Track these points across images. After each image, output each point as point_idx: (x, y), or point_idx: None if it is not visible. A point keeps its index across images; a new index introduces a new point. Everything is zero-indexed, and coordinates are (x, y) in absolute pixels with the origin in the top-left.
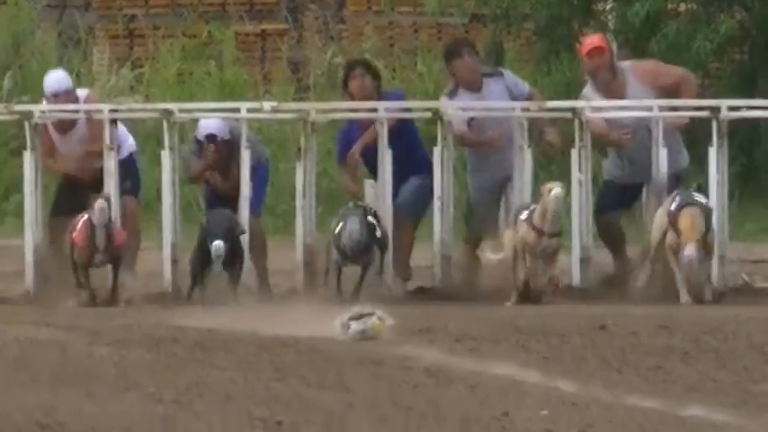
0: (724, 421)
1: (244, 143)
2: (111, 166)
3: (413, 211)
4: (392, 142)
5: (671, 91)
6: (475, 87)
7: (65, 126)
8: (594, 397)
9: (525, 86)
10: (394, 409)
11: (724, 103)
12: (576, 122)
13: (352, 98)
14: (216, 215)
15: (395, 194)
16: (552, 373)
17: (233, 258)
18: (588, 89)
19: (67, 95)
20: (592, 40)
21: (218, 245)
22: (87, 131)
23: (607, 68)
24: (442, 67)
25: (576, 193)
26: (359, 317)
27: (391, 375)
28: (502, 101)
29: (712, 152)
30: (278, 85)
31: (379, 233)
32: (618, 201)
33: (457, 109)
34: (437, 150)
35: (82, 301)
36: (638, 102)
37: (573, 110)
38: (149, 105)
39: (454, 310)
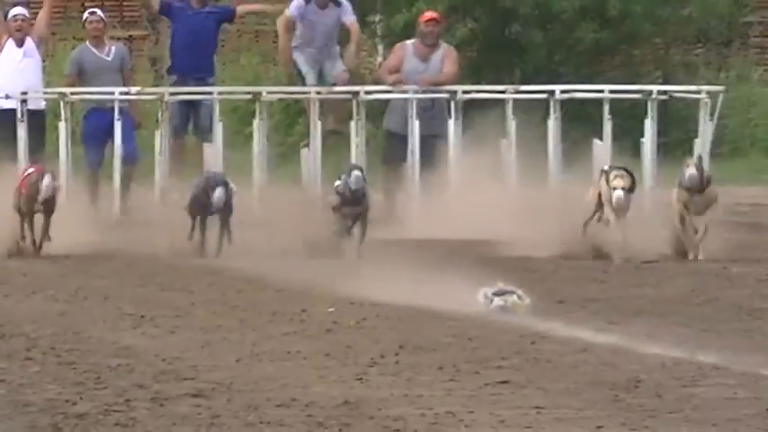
0: None
1: (116, 115)
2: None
3: None
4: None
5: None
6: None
7: None
8: (372, 299)
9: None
10: (223, 306)
11: (460, 88)
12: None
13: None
14: (214, 172)
15: None
16: (338, 279)
17: (226, 207)
18: (405, 45)
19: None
20: (431, 13)
21: (220, 192)
22: None
23: (435, 36)
24: None
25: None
26: (501, 293)
27: (223, 282)
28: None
29: (451, 124)
30: (141, 75)
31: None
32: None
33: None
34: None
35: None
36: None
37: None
38: (49, 89)
39: None
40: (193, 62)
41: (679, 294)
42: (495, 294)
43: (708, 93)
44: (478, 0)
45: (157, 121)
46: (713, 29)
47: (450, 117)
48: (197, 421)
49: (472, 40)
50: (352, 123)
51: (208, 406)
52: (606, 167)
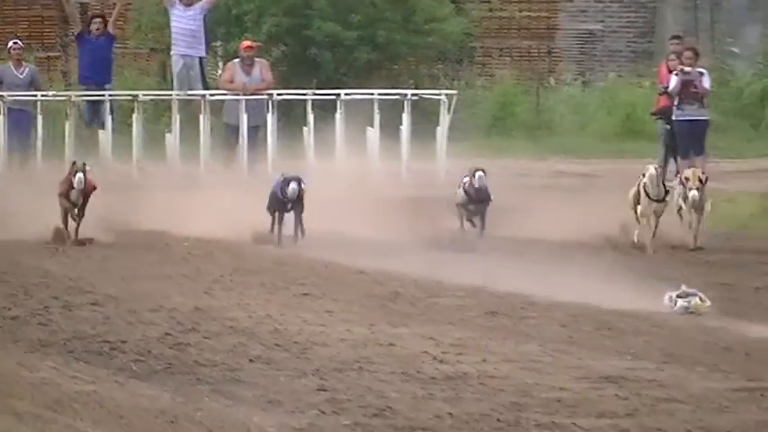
0: None
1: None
2: None
3: None
4: None
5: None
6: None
7: None
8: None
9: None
10: (115, 244)
11: (275, 92)
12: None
13: None
14: (289, 174)
15: None
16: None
17: (299, 201)
18: (234, 64)
19: None
20: (248, 42)
21: (293, 186)
22: None
23: (251, 57)
24: None
25: None
26: (685, 295)
27: (117, 229)
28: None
29: (269, 117)
30: (57, 83)
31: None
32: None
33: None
34: None
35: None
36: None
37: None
38: None
39: None
40: (95, 74)
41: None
42: (679, 297)
43: (446, 95)
44: (288, 31)
45: (66, 114)
46: (449, 51)
47: (268, 112)
48: (94, 322)
49: (283, 59)
50: (201, 117)
51: (102, 311)
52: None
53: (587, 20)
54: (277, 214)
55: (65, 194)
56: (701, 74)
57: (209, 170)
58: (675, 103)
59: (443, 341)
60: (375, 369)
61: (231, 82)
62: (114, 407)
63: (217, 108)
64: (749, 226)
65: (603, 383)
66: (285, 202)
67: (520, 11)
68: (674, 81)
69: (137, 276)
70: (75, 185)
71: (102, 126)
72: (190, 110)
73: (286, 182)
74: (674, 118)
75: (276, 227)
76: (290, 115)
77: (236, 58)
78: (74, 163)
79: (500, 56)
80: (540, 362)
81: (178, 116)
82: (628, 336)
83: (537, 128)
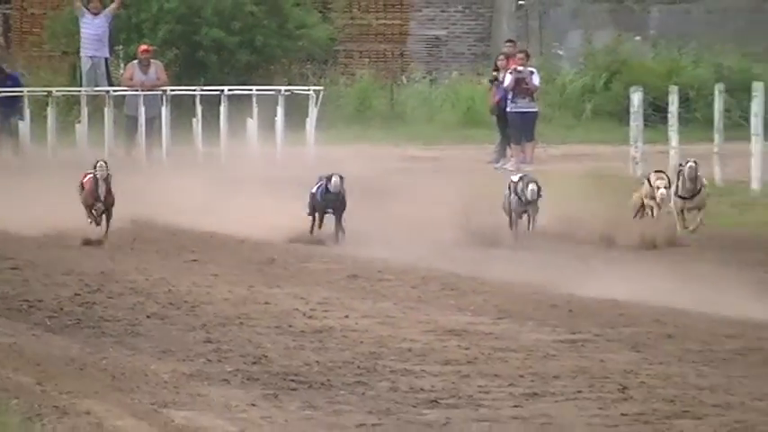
0: None
1: None
2: None
3: None
4: None
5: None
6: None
7: None
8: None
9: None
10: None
11: (169, 88)
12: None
13: None
14: (333, 173)
15: None
16: None
17: (340, 200)
18: (133, 64)
19: None
20: (144, 46)
21: (336, 180)
22: None
23: (148, 59)
24: None
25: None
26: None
27: None
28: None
29: (163, 110)
30: None
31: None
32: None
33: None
34: None
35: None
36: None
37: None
38: None
39: None
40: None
41: None
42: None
43: (314, 91)
44: (179, 37)
45: None
46: (317, 53)
47: (163, 105)
48: (15, 284)
49: (175, 60)
50: (105, 109)
51: (21, 275)
52: (651, 174)
53: (434, 26)
54: (317, 215)
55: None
56: (532, 72)
57: (112, 154)
58: (510, 97)
59: (312, 300)
60: (253, 324)
61: (131, 80)
62: (32, 356)
63: (119, 102)
64: (574, 204)
65: (448, 336)
66: (325, 203)
67: (377, 19)
68: (508, 78)
69: (51, 245)
70: (98, 177)
71: (22, 118)
72: (96, 104)
73: (328, 179)
74: (508, 110)
75: (315, 228)
76: (181, 108)
77: (135, 59)
78: (96, 164)
79: (360, 57)
80: (394, 317)
81: (86, 109)
82: (469, 295)
83: (391, 119)
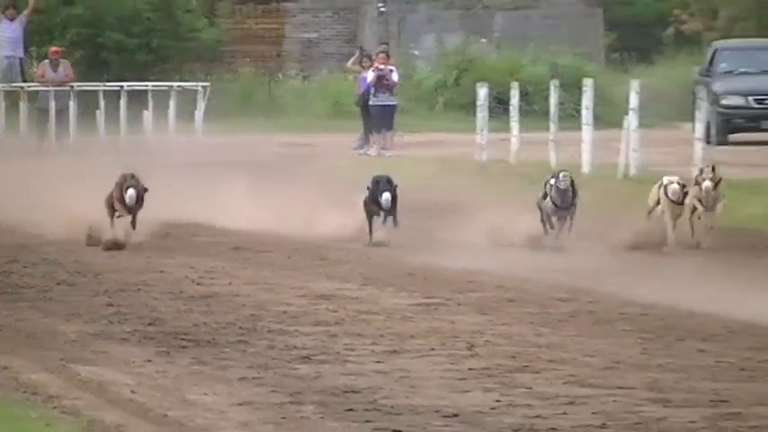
0: None
1: None
2: None
3: None
4: None
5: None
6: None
7: None
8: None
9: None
10: None
11: (76, 84)
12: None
13: None
14: (381, 176)
15: None
16: None
17: (393, 205)
18: (45, 63)
19: None
20: (54, 47)
21: (386, 197)
22: None
23: (58, 59)
24: None
25: None
26: None
27: None
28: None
29: (71, 103)
30: None
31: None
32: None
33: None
34: None
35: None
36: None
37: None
38: None
39: None
40: None
41: None
42: None
43: (202, 87)
44: (85, 39)
45: None
46: (205, 53)
47: (70, 99)
48: None
49: (82, 59)
50: (20, 103)
51: None
52: (664, 180)
53: (307, 30)
54: (372, 217)
55: (113, 205)
56: (391, 70)
57: (25, 142)
58: (372, 91)
59: (200, 269)
60: (150, 290)
61: (43, 77)
62: None
63: (33, 96)
64: (428, 184)
65: (319, 300)
66: (378, 204)
67: (257, 23)
68: (370, 75)
69: (12, 230)
70: (127, 201)
71: None
72: (12, 98)
73: (379, 190)
74: (370, 103)
75: (370, 228)
76: (87, 102)
77: (47, 59)
78: (124, 177)
79: (242, 57)
80: (273, 284)
81: (3, 103)
82: (337, 264)
83: (270, 111)
